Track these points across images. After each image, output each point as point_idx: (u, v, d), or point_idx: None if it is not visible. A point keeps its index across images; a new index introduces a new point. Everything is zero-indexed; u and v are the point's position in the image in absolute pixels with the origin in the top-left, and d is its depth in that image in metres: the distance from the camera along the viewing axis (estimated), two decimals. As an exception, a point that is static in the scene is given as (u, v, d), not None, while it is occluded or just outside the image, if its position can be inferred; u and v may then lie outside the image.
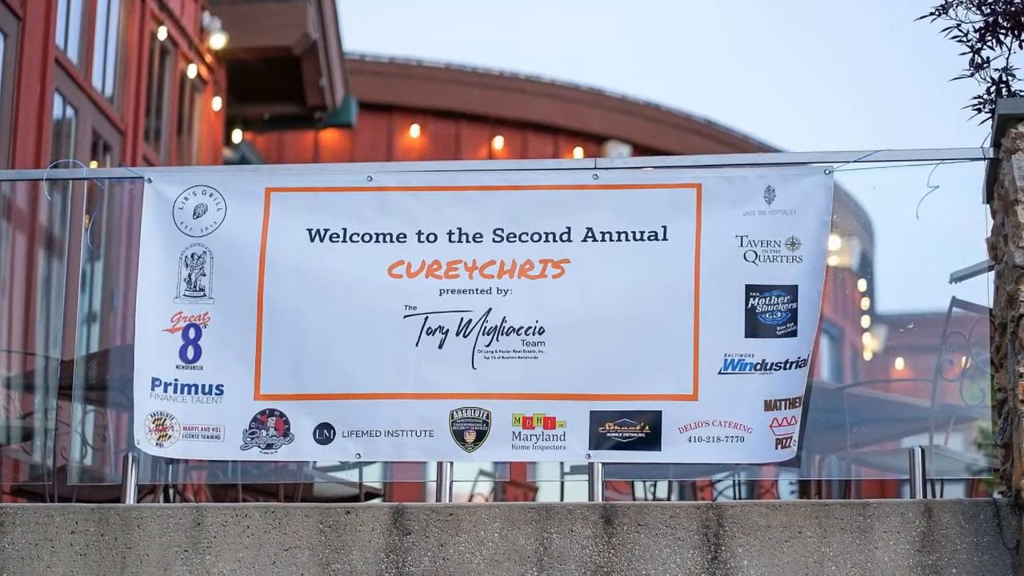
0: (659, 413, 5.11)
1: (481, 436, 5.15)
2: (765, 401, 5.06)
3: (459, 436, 5.15)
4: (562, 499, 6.36)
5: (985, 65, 5.09)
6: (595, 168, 5.34)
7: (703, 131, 20.65)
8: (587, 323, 5.17)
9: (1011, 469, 4.74)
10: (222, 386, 5.25)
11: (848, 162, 5.19)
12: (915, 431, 6.58)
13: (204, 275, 5.31)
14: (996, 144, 5.02)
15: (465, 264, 5.25)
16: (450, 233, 5.30)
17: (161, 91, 12.85)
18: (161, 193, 5.40)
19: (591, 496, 5.09)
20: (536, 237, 5.26)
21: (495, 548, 4.79)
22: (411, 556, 4.81)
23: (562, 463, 5.76)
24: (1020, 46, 5.11)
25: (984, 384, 5.36)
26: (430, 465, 5.34)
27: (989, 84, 5.09)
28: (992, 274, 5.12)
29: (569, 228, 5.26)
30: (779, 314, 5.11)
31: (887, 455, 6.75)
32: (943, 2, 5.13)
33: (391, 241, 5.30)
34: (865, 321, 21.99)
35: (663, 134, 19.98)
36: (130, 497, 5.23)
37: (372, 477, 6.46)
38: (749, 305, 5.13)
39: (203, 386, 5.25)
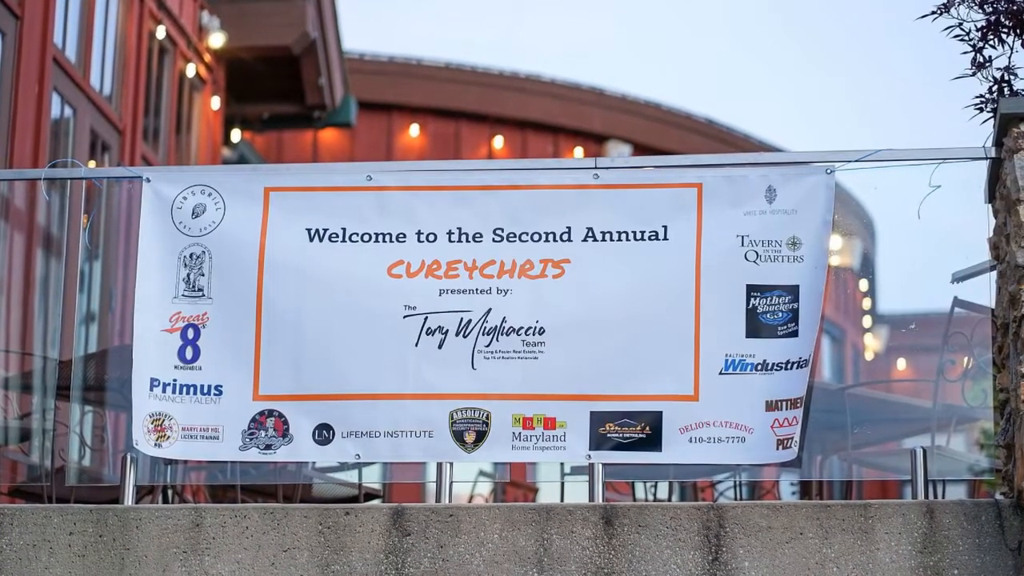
0: (660, 414, 5.09)
1: (481, 437, 5.13)
2: (766, 402, 5.04)
3: (459, 437, 5.13)
4: (562, 500, 6.34)
5: (987, 64, 5.08)
6: (595, 168, 5.32)
7: (704, 130, 20.64)
8: (587, 323, 5.15)
9: (1013, 470, 4.72)
10: (221, 386, 5.23)
11: (849, 161, 5.17)
12: (917, 432, 6.55)
13: (203, 275, 5.30)
14: (998, 143, 5.00)
15: (465, 264, 5.23)
16: (450, 233, 5.28)
17: (160, 90, 12.83)
18: (160, 193, 5.38)
19: (591, 497, 5.07)
20: (536, 237, 5.24)
21: (495, 549, 4.77)
22: (411, 557, 4.79)
23: (562, 464, 5.75)
24: (1022, 45, 5.09)
25: (986, 385, 5.34)
26: (430, 466, 5.33)
27: (991, 83, 5.07)
28: (994, 274, 5.11)
29: (569, 228, 5.24)
30: (780, 314, 5.09)
31: (889, 456, 6.73)
32: (944, 1, 5.11)
33: (390, 241, 5.28)
34: (867, 321, 21.98)
35: (664, 133, 19.97)
36: (128, 498, 5.21)
37: (371, 478, 6.44)
38: (750, 305, 5.11)
39: (202, 386, 5.24)
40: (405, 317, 5.19)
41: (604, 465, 5.11)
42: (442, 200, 5.32)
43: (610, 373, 5.12)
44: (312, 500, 6.36)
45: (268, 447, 5.19)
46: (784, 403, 5.02)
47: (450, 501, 5.17)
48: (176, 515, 4.90)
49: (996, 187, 5.09)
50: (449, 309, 5.19)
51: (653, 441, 5.08)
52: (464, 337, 5.17)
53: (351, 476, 6.46)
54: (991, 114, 5.06)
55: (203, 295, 5.29)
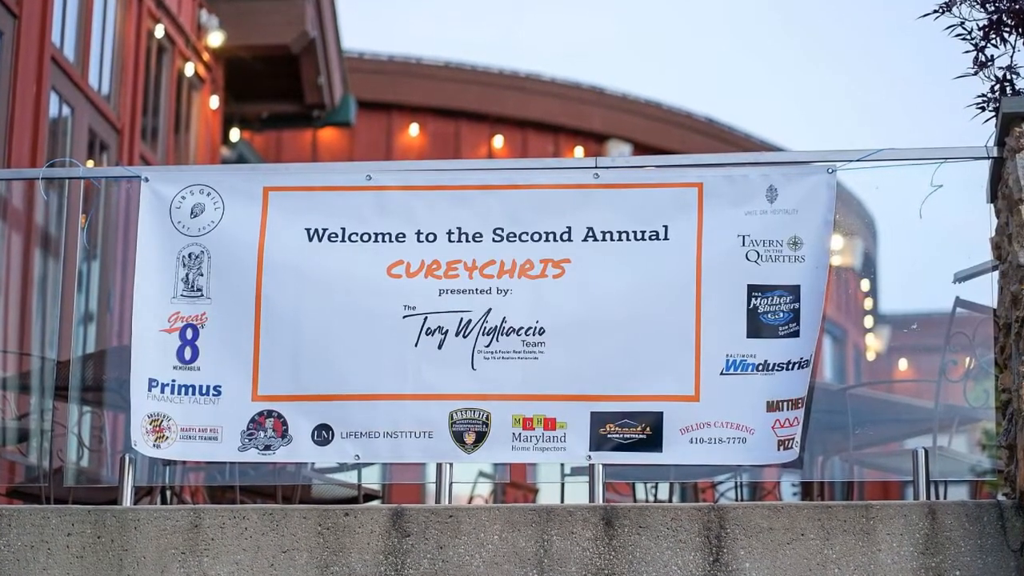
0: (660, 414, 5.07)
1: (481, 437, 5.11)
2: (767, 402, 5.03)
3: (459, 437, 5.12)
4: (562, 501, 6.33)
5: (989, 63, 5.06)
6: (596, 167, 5.30)
7: (705, 130, 20.62)
8: (588, 323, 5.14)
9: (1015, 471, 4.71)
10: (220, 387, 5.21)
11: (851, 161, 5.15)
12: (919, 432, 6.54)
13: (201, 275, 5.28)
14: (1000, 143, 4.99)
15: (465, 264, 5.22)
16: (449, 233, 5.26)
17: (158, 89, 12.81)
18: (158, 192, 5.36)
19: (592, 498, 5.06)
20: (536, 237, 5.22)
21: (495, 550, 4.75)
22: (410, 558, 4.77)
23: (562, 464, 5.74)
24: (1024, 44, 5.07)
25: (988, 385, 5.32)
26: (429, 466, 5.31)
27: (993, 82, 5.06)
28: (996, 274, 5.09)
29: (569, 228, 5.22)
30: (781, 314, 5.07)
31: (890, 456, 6.71)
32: (946, 0, 5.09)
33: (390, 241, 5.26)
34: (868, 321, 21.95)
35: (664, 133, 19.95)
36: (127, 499, 5.19)
37: (371, 478, 6.42)
38: (751, 305, 5.09)
39: (200, 387, 5.22)
40: (405, 317, 5.18)
41: (604, 466, 5.10)
42: (442, 200, 5.30)
43: (610, 373, 5.10)
44: (311, 501, 6.34)
45: (267, 448, 5.17)
46: (785, 403, 5.01)
47: (450, 502, 5.16)
48: (175, 516, 4.88)
49: (998, 187, 5.08)
50: (449, 309, 5.18)
51: (654, 442, 5.07)
52: (464, 337, 5.15)
53: (350, 477, 6.44)
54: (993, 113, 5.04)
55: (202, 295, 5.27)
